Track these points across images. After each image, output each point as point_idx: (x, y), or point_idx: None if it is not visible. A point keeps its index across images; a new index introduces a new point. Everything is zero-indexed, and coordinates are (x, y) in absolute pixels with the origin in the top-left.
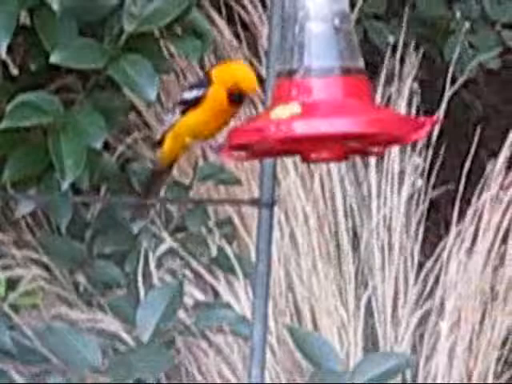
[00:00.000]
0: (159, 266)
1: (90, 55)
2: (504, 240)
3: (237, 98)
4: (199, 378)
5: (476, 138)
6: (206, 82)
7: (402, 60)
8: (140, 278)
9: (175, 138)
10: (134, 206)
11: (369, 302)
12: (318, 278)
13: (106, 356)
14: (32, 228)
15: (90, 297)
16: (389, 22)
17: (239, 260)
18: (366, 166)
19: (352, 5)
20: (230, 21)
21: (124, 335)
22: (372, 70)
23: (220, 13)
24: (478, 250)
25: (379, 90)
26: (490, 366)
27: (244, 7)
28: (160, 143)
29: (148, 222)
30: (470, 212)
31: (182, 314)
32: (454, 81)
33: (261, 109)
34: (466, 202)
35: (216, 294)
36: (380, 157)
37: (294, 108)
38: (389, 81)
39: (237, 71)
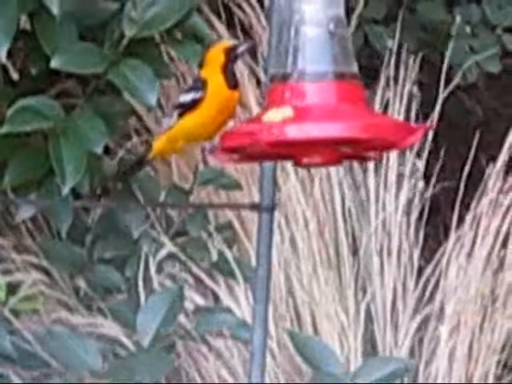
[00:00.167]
0: (160, 270)
1: (90, 60)
2: (504, 244)
3: (233, 58)
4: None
5: (476, 142)
6: (201, 86)
7: (402, 64)
8: (140, 283)
9: (169, 141)
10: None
11: (369, 306)
12: (318, 283)
13: (106, 360)
14: (32, 232)
15: (91, 301)
16: (389, 26)
17: (239, 264)
18: (365, 170)
19: (352, 9)
20: (230, 25)
21: (124, 340)
22: (372, 74)
23: (220, 17)
24: (478, 255)
25: (379, 93)
26: (490, 369)
27: (244, 11)
28: None
29: (148, 227)
30: (469, 216)
31: (182, 318)
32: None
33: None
34: (466, 206)
35: (216, 298)
36: (379, 161)
37: (286, 112)
38: (389, 85)
39: (218, 44)
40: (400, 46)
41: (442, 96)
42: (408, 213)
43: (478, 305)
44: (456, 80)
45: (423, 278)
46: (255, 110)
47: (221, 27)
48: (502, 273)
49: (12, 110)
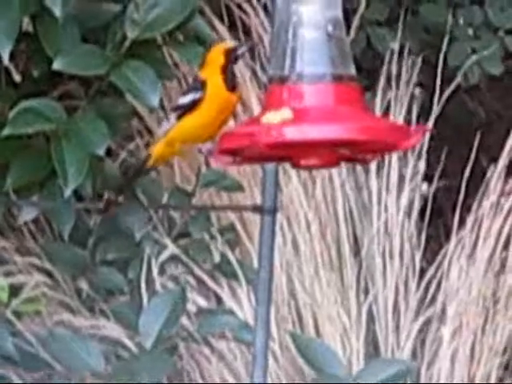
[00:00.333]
0: (162, 272)
1: (92, 62)
2: (505, 246)
3: (233, 60)
4: None
5: (477, 144)
6: (200, 87)
7: (404, 66)
8: (143, 285)
9: (168, 144)
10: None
11: (371, 308)
12: (320, 285)
13: (108, 362)
14: (34, 234)
15: (93, 303)
16: (391, 28)
17: (242, 266)
18: (367, 172)
19: (354, 11)
20: (232, 27)
21: (127, 341)
22: (375, 76)
23: (221, 19)
24: (479, 257)
25: (380, 95)
26: (492, 371)
27: (245, 13)
28: None
29: (151, 229)
30: (471, 218)
31: (184, 320)
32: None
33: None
34: (468, 207)
35: (219, 300)
36: (380, 162)
37: (285, 113)
38: (390, 86)
39: (218, 45)
40: (402, 48)
41: (443, 98)
42: (409, 214)
43: (480, 306)
44: (456, 81)
45: (425, 280)
46: (257, 111)
47: (222, 29)
48: (504, 275)
49: (14, 111)
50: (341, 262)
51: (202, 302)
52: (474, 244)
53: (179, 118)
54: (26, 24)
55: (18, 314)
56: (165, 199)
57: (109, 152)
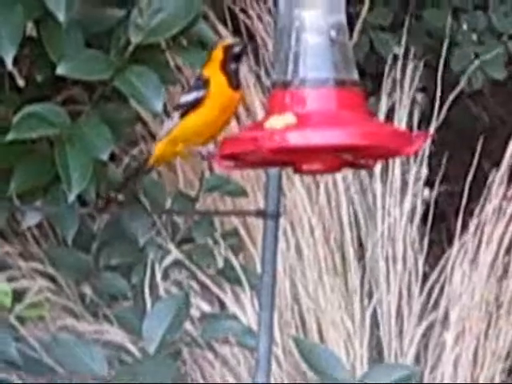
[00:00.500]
0: (165, 277)
1: (96, 67)
2: (508, 251)
3: (232, 57)
4: None
5: (480, 149)
6: (203, 85)
7: (408, 71)
8: (146, 290)
9: (171, 143)
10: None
11: (374, 313)
12: (323, 290)
13: (112, 367)
14: (38, 239)
15: (97, 308)
16: (395, 33)
17: (245, 271)
18: (371, 176)
19: (357, 15)
20: (236, 32)
21: (130, 347)
22: (378, 80)
23: (225, 24)
24: (482, 261)
25: (384, 100)
26: (495, 376)
27: (250, 18)
28: None
29: (154, 234)
30: (473, 223)
31: (188, 325)
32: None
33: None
34: (470, 212)
35: (222, 305)
36: (383, 167)
37: (288, 118)
38: (394, 91)
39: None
40: (405, 53)
41: (446, 103)
42: (412, 219)
43: (483, 311)
44: (460, 86)
45: (428, 285)
46: (260, 116)
47: (226, 34)
48: (507, 279)
49: (18, 116)
50: (344, 266)
51: (206, 307)
52: (477, 249)
53: (182, 116)
54: (30, 29)
55: (21, 319)
56: (168, 204)
57: (112, 157)
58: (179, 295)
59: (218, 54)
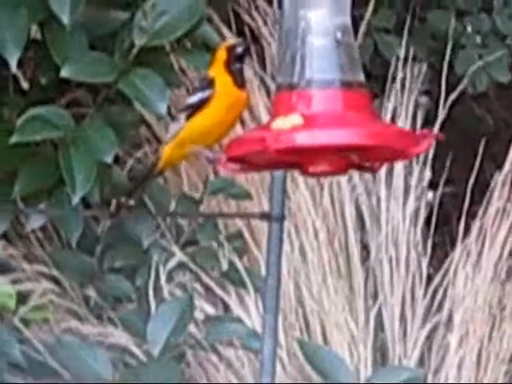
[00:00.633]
0: (170, 279)
1: (100, 69)
2: (511, 253)
3: (235, 57)
4: None
5: (484, 152)
6: (208, 85)
7: (411, 73)
8: (150, 292)
9: (179, 145)
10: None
11: (378, 315)
12: (327, 292)
13: (116, 370)
14: (42, 242)
15: (101, 311)
16: (399, 35)
17: (249, 274)
18: (375, 179)
19: (361, 18)
20: (240, 34)
21: (134, 349)
22: (382, 82)
23: (230, 27)
24: (485, 264)
25: (387, 102)
26: (499, 378)
27: (254, 20)
28: None
29: (158, 236)
30: (476, 225)
31: (192, 327)
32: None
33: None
34: (474, 215)
35: (226, 307)
36: (387, 170)
37: (295, 119)
38: (398, 94)
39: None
40: (409, 55)
41: (450, 105)
42: (415, 222)
43: (487, 314)
44: (464, 89)
45: (432, 288)
46: (264, 119)
47: (230, 36)
48: (510, 282)
49: (22, 119)
50: (348, 269)
51: (210, 310)
52: (480, 251)
53: (188, 118)
54: (34, 31)
55: (25, 322)
56: (172, 207)
57: (117, 160)
58: (183, 298)
59: (221, 55)
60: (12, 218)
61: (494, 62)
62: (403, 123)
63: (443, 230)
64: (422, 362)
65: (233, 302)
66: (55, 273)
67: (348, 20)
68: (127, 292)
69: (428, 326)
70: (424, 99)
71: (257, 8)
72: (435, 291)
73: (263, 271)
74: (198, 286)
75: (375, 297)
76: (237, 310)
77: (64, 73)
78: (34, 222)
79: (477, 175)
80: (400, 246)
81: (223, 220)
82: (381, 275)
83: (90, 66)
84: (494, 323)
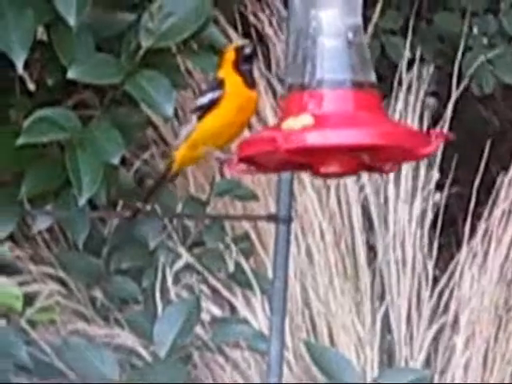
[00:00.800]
0: (176, 281)
1: (107, 71)
2: None
3: (244, 58)
4: None
5: (489, 153)
6: (218, 85)
7: (419, 75)
8: (157, 294)
9: (192, 147)
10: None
11: (385, 316)
12: (334, 294)
13: (123, 371)
14: (49, 244)
15: (107, 312)
16: (406, 37)
17: (256, 275)
18: (384, 180)
19: (368, 19)
20: (246, 35)
21: (141, 350)
22: (389, 84)
23: (236, 28)
24: (491, 265)
25: (397, 104)
26: (505, 379)
27: (260, 21)
28: None
29: (165, 238)
30: (482, 226)
31: (199, 329)
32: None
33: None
34: (480, 216)
35: (233, 309)
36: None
37: (306, 119)
38: (405, 95)
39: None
40: (416, 57)
41: (456, 106)
42: (422, 223)
43: (493, 315)
44: (470, 90)
45: (438, 289)
46: (271, 120)
47: (237, 38)
48: None
49: (29, 121)
50: (355, 271)
51: (217, 311)
52: (486, 252)
53: (200, 118)
54: (41, 33)
55: (32, 323)
56: (179, 208)
57: (123, 161)
58: (190, 299)
59: (229, 56)
60: (19, 220)
61: (500, 64)
62: (410, 124)
63: (449, 231)
64: (428, 363)
65: (239, 303)
66: (62, 274)
67: (359, 20)
68: (134, 293)
69: (434, 328)
70: (431, 100)
71: (263, 9)
72: (441, 293)
73: (270, 273)
74: (204, 288)
75: (382, 298)
76: (243, 311)
77: (71, 74)
78: (41, 223)
79: (483, 176)
80: (407, 247)
81: (230, 222)
82: (388, 277)
83: (97, 68)
84: (500, 324)
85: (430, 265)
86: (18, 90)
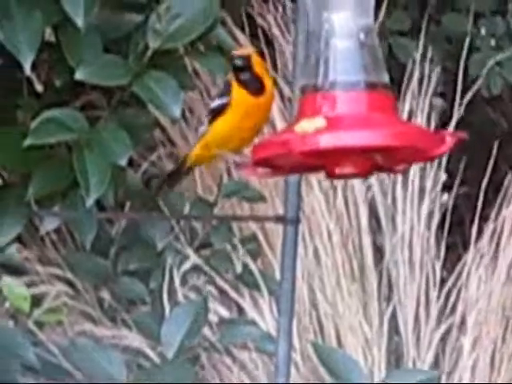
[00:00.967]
0: (184, 282)
1: (114, 72)
2: None
3: (241, 68)
4: None
5: (497, 154)
6: (226, 91)
7: (426, 76)
8: (165, 295)
9: (204, 147)
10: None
11: (392, 318)
12: (341, 295)
13: (130, 372)
14: (56, 245)
15: (115, 313)
16: (413, 38)
17: (264, 277)
18: (391, 180)
19: (375, 19)
20: (254, 37)
21: (149, 351)
22: (397, 85)
23: (243, 30)
24: (499, 266)
25: (404, 105)
26: None
27: (267, 23)
28: None
29: (173, 239)
30: (489, 227)
31: (206, 330)
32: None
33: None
34: (486, 217)
35: (240, 310)
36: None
37: (319, 122)
38: (414, 96)
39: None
40: (424, 58)
41: (464, 107)
42: (429, 224)
43: (500, 316)
44: (478, 91)
45: (445, 290)
46: (278, 121)
47: (244, 39)
48: None
49: (36, 121)
50: (362, 272)
51: (224, 313)
52: (493, 253)
53: (210, 122)
54: (48, 34)
55: (39, 324)
56: (187, 209)
57: (131, 162)
58: (197, 300)
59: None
60: (26, 221)
61: (508, 65)
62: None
63: (456, 231)
64: (435, 364)
65: (247, 304)
66: (69, 275)
67: (371, 21)
68: (141, 294)
69: (442, 329)
70: (438, 101)
71: (269, 11)
72: (449, 293)
73: (277, 274)
74: (212, 289)
75: (389, 299)
76: (251, 312)
77: (78, 75)
78: (48, 224)
79: (490, 177)
80: (414, 248)
81: (237, 223)
82: (396, 277)
83: (105, 69)
84: (508, 325)
85: (438, 266)
86: (26, 91)
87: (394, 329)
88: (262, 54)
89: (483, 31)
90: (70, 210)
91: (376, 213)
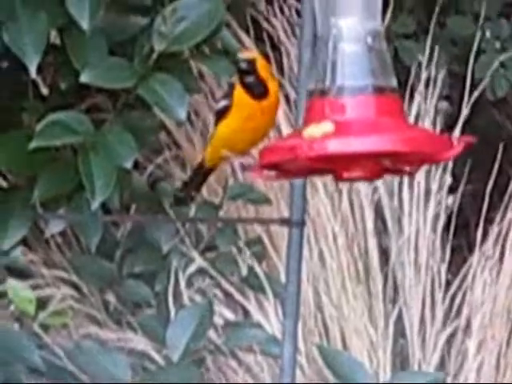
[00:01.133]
0: (189, 285)
1: (120, 74)
2: None
3: (246, 71)
4: None
5: (502, 157)
6: (229, 94)
7: (431, 79)
8: (170, 298)
9: (214, 148)
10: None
11: (397, 320)
12: (346, 298)
13: (135, 375)
14: (61, 247)
15: (120, 316)
16: (419, 41)
17: (269, 279)
18: (395, 183)
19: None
20: (259, 40)
21: (154, 354)
22: (403, 88)
23: (248, 32)
24: (504, 268)
25: (411, 108)
26: None
27: (273, 26)
28: None
29: (178, 242)
30: (495, 230)
31: (212, 333)
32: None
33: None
34: (491, 220)
35: (246, 313)
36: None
37: (326, 127)
38: (418, 99)
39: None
40: (429, 61)
41: (469, 110)
42: (435, 227)
43: (505, 319)
44: (483, 94)
45: (451, 292)
46: (283, 125)
47: (249, 42)
48: None
49: (41, 124)
50: (368, 274)
51: (229, 315)
52: (499, 256)
53: (216, 123)
54: (54, 37)
55: (45, 327)
56: (192, 212)
57: (136, 165)
58: (203, 303)
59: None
60: (31, 224)
61: None
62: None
63: (462, 234)
64: (441, 366)
65: (252, 307)
66: (74, 278)
67: (379, 25)
68: (146, 297)
69: (447, 331)
70: (444, 104)
71: (275, 14)
72: (454, 296)
73: (282, 277)
74: (217, 292)
75: (394, 302)
76: (256, 315)
77: (83, 78)
78: (54, 227)
79: (496, 180)
80: (420, 250)
81: (242, 225)
82: (401, 280)
83: (110, 72)
84: None
85: (443, 268)
86: (31, 94)
87: (400, 331)
88: (267, 57)
89: (488, 34)
90: (76, 212)
91: (382, 215)
